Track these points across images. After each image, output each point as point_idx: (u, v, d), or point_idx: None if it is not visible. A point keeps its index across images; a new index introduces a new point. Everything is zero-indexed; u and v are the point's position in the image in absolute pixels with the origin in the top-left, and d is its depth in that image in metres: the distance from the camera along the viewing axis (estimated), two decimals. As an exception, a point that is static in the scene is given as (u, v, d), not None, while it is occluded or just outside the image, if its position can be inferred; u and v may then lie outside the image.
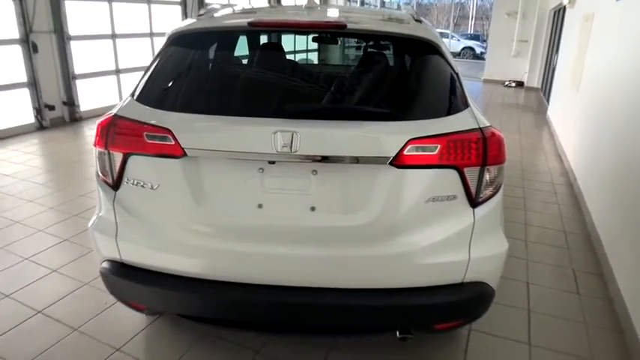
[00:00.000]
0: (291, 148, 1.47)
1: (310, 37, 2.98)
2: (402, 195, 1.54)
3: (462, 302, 1.62)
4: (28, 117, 5.93)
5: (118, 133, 1.61)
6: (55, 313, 2.32)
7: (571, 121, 5.19)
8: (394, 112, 1.60)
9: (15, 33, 5.65)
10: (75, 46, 6.40)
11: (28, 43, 5.74)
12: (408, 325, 1.73)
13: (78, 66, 6.49)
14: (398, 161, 1.49)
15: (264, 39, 2.80)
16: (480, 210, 1.59)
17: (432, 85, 1.71)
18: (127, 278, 1.68)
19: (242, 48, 3.08)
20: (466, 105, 1.63)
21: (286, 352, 2.06)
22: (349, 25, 1.62)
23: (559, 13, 8.62)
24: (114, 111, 1.70)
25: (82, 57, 6.54)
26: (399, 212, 1.54)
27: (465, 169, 1.53)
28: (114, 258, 1.73)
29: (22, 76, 5.81)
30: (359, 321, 1.66)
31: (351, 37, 1.92)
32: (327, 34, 2.05)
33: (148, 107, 1.65)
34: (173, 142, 1.54)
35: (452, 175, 1.52)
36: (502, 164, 1.62)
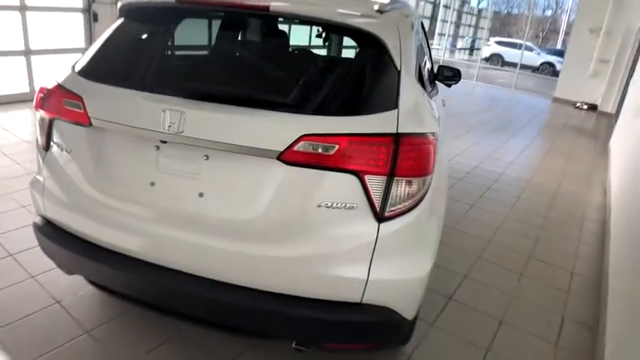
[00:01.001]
0: (177, 128, 1.42)
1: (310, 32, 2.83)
2: (290, 195, 1.40)
3: (357, 324, 1.46)
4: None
5: (48, 97, 1.69)
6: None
7: (624, 151, 4.61)
8: (294, 103, 1.46)
9: (79, 2, 6.11)
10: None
11: (90, 12, 6.18)
12: (292, 336, 1.59)
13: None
14: (287, 157, 1.37)
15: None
16: (389, 226, 1.41)
17: (355, 80, 1.54)
18: (46, 235, 1.75)
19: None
20: (393, 106, 1.44)
21: (195, 353, 1.98)
22: (273, 8, 1.50)
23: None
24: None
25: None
26: (286, 213, 1.41)
27: (367, 177, 1.36)
28: (42, 214, 1.81)
29: (82, 42, 6.27)
30: (240, 320, 1.56)
31: (278, 18, 1.78)
32: (252, 16, 1.92)
33: (78, 77, 1.70)
34: (82, 110, 1.57)
35: (351, 181, 1.36)
36: (422, 177, 1.43)
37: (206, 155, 1.47)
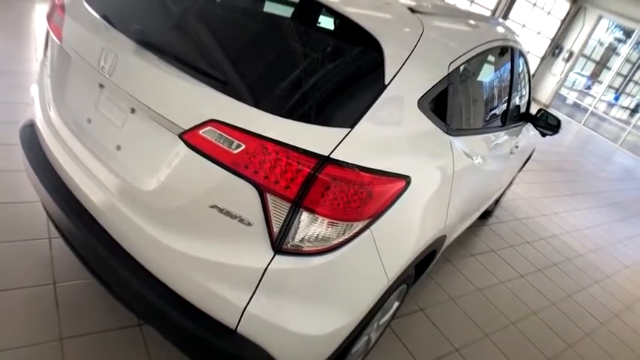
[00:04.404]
0: (108, 72, 1.32)
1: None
2: (184, 182, 1.22)
3: (220, 350, 1.24)
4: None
5: (50, 13, 1.70)
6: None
7: None
8: (224, 79, 1.21)
9: None
10: None
11: None
12: (160, 331, 1.40)
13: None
14: (189, 138, 1.18)
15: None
16: (285, 262, 1.18)
17: (313, 76, 1.23)
18: (21, 136, 1.76)
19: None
20: (348, 124, 1.16)
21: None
22: None
23: None
24: None
25: None
26: (177, 199, 1.24)
27: (269, 196, 1.13)
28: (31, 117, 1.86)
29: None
30: (120, 290, 1.42)
31: None
32: None
33: None
34: (61, 26, 1.55)
35: (250, 193, 1.13)
36: (347, 222, 1.18)
37: (132, 108, 1.35)
